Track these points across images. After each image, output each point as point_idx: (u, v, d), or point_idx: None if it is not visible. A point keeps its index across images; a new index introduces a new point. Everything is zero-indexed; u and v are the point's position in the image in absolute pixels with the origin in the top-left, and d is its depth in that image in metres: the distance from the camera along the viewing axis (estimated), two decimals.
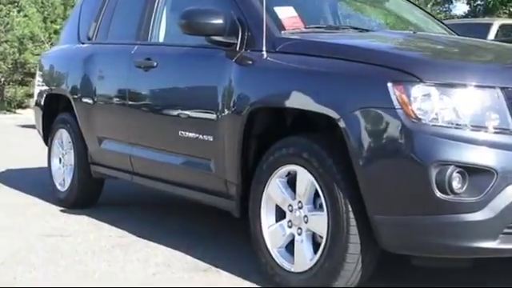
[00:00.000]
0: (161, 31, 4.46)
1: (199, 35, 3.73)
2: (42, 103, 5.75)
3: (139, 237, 4.34)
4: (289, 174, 3.30)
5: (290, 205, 3.28)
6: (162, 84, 4.24)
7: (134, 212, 5.20)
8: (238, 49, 3.64)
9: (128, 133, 4.51)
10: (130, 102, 4.46)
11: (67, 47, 5.60)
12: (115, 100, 4.67)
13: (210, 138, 3.72)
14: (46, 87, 5.76)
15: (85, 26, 5.40)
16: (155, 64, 4.23)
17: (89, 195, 5.33)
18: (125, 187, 5.78)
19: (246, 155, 3.55)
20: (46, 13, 25.84)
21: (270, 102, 3.39)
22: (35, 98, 6.03)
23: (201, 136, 3.79)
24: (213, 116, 3.68)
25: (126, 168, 4.65)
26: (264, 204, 3.39)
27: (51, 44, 20.35)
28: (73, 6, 30.90)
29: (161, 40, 4.46)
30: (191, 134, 3.86)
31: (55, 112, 5.72)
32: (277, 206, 3.36)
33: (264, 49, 3.45)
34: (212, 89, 3.71)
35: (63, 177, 5.49)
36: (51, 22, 27.82)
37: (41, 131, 5.87)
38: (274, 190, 3.34)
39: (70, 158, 5.34)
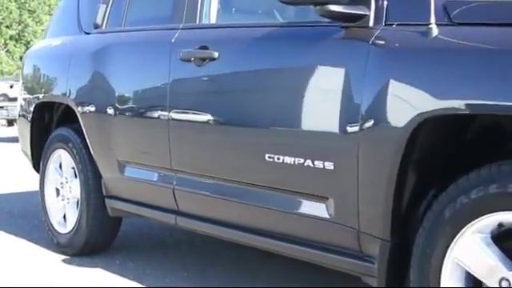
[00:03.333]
0: (218, 6, 3.07)
1: (305, 4, 2.38)
2: (29, 115, 4.31)
3: None
4: (500, 225, 1.97)
5: (503, 278, 1.95)
6: (231, 83, 2.86)
7: (164, 257, 3.82)
8: (371, 24, 2.30)
9: (171, 156, 3.12)
10: (175, 112, 3.07)
11: (63, 41, 4.17)
12: (148, 109, 3.27)
13: (329, 166, 2.37)
14: (33, 94, 4.31)
15: (88, 12, 3.99)
16: (216, 55, 2.86)
17: (101, 239, 3.92)
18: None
19: (400, 193, 2.21)
20: (0, 17, 24.10)
21: (459, 108, 2.03)
22: (18, 108, 4.57)
23: (309, 162, 2.44)
24: (333, 131, 2.34)
25: (165, 205, 3.26)
26: (447, 275, 2.06)
27: (7, 51, 18.72)
28: (30, 11, 29.45)
29: (219, 20, 3.08)
30: (290, 159, 2.51)
31: (48, 126, 4.30)
32: (471, 277, 2.04)
33: (432, 20, 2.11)
34: (326, 90, 2.39)
35: (63, 213, 4.07)
36: (6, 26, 26.08)
37: (28, 152, 4.42)
38: (469, 254, 2.01)
39: (74, 188, 3.93)
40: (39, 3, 30.08)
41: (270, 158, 2.58)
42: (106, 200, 3.71)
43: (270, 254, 2.95)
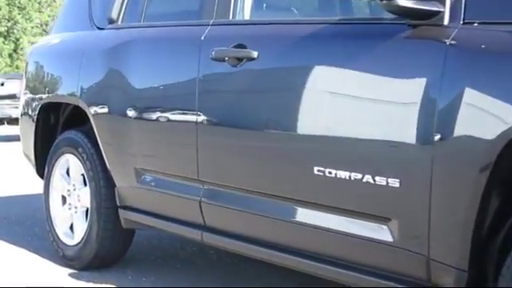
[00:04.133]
0: (255, 0, 2.78)
1: None
2: (34, 117, 3.98)
3: None
4: None
5: None
6: (272, 86, 2.56)
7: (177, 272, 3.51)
8: (446, 22, 2.02)
9: (199, 165, 2.81)
10: (204, 116, 2.76)
11: (72, 36, 3.85)
12: (173, 112, 2.96)
13: (394, 182, 2.08)
14: (39, 94, 3.99)
15: (101, 6, 3.67)
16: (255, 54, 2.55)
17: (113, 252, 3.60)
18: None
19: (481, 217, 1.92)
20: None
21: None
22: (21, 109, 4.24)
23: (369, 177, 2.14)
24: (400, 142, 2.05)
25: (190, 219, 2.96)
26: None
27: None
28: (19, 7, 29.02)
29: (255, 15, 2.78)
30: (344, 174, 2.21)
31: (54, 129, 3.98)
32: None
33: None
34: (391, 95, 2.11)
35: (70, 223, 3.76)
36: None
37: (31, 155, 4.09)
38: None
39: (83, 197, 3.61)
40: (29, 0, 29.61)
41: (319, 171, 2.28)
42: (120, 211, 3.39)
43: (293, 271, 2.64)
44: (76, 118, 3.65)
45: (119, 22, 3.48)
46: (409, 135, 2.02)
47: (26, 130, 4.11)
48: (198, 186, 2.85)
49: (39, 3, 29.67)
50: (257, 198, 2.58)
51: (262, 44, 2.56)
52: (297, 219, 2.43)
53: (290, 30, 2.52)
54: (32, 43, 28.93)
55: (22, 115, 4.22)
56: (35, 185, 5.85)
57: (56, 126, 4.00)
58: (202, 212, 2.85)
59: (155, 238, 4.26)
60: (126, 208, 3.36)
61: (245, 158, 2.62)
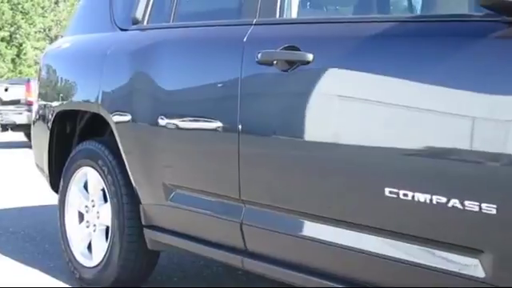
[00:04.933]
0: None
1: None
2: (48, 125, 3.66)
3: None
4: None
5: None
6: (331, 94, 2.22)
7: None
8: None
9: (240, 182, 2.49)
10: (248, 127, 2.44)
11: (91, 38, 3.53)
12: (211, 122, 2.62)
13: (489, 208, 1.75)
14: (53, 101, 3.67)
15: (124, 5, 3.36)
16: (310, 57, 2.23)
17: (136, 275, 3.27)
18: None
19: None
20: None
21: None
22: (34, 117, 3.92)
23: (456, 202, 1.81)
24: (498, 160, 1.72)
25: (228, 243, 2.63)
26: None
27: None
28: (22, 12, 28.75)
29: (306, 13, 2.46)
30: (424, 197, 1.88)
31: (69, 139, 3.66)
32: None
33: None
34: (487, 105, 1.76)
35: (87, 242, 3.43)
36: None
37: (45, 168, 3.77)
38: None
39: (103, 214, 3.29)
40: (33, 4, 29.35)
41: (391, 193, 1.96)
42: (145, 230, 3.07)
43: None
44: (94, 128, 3.32)
45: (145, 23, 3.16)
46: (509, 152, 1.69)
47: (40, 140, 3.79)
48: (239, 206, 2.53)
49: (42, 8, 29.40)
50: (310, 221, 2.25)
51: (317, 45, 2.24)
52: (360, 247, 2.10)
53: (351, 30, 2.20)
54: (35, 48, 28.72)
55: (34, 123, 3.90)
56: (42, 195, 5.58)
57: (71, 136, 3.68)
58: (243, 235, 2.52)
59: (176, 256, 3.94)
60: (152, 227, 3.04)
61: (296, 174, 2.29)
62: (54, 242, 4.29)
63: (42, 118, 3.74)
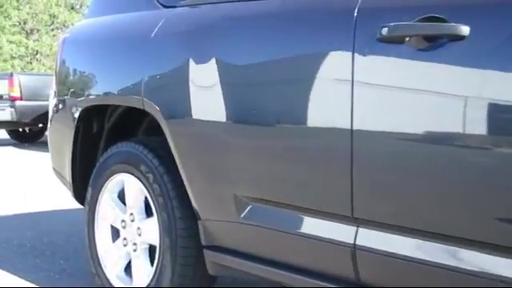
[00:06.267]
0: None
1: None
2: (71, 125, 3.05)
3: None
4: None
5: None
6: (497, 80, 1.66)
7: None
8: None
9: (353, 196, 1.92)
10: (366, 125, 1.88)
11: (126, 19, 2.94)
12: (306, 116, 2.04)
13: None
14: (77, 95, 3.06)
15: None
16: (465, 31, 1.66)
17: None
18: None
19: None
20: None
21: None
22: (51, 114, 3.32)
23: None
24: None
25: (333, 272, 2.06)
26: None
27: None
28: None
29: None
30: None
31: (97, 139, 3.06)
32: None
33: None
34: None
35: (125, 263, 2.85)
36: None
37: (66, 174, 3.17)
38: None
39: (146, 230, 2.71)
40: None
41: None
42: (206, 252, 2.49)
43: None
44: (138, 126, 2.75)
45: None
46: None
47: (59, 143, 3.19)
48: (350, 226, 1.96)
49: (17, 0, 28.44)
50: (448, 245, 1.70)
51: (475, 15, 1.68)
52: None
53: None
54: (10, 42, 27.74)
55: (51, 122, 3.30)
56: (38, 199, 4.98)
57: (98, 137, 3.10)
58: (355, 263, 1.96)
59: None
60: (215, 249, 2.46)
61: (433, 186, 1.73)
62: (69, 258, 3.75)
63: (63, 115, 3.14)
